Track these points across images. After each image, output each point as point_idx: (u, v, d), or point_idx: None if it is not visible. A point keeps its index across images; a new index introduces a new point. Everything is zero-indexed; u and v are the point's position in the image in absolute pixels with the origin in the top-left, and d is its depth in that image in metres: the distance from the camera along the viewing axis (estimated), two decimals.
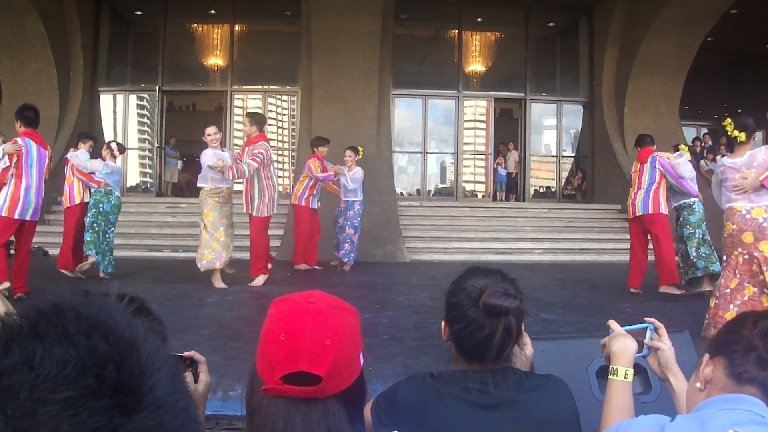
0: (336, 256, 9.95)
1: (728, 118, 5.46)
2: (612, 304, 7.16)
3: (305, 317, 1.06)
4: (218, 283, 7.56)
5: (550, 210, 14.60)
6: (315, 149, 9.78)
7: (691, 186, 7.68)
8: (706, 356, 1.38)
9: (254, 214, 7.82)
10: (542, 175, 16.94)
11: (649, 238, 7.72)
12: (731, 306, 5.05)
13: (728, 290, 5.15)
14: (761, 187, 5.08)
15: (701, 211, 7.81)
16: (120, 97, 15.72)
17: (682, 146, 8.25)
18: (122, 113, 15.69)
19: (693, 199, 7.81)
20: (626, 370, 1.65)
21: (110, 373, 0.50)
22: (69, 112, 14.04)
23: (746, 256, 5.10)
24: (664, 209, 7.53)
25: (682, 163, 7.48)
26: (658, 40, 13.70)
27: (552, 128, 16.70)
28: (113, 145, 8.88)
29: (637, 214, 7.62)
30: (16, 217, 6.56)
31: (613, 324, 1.77)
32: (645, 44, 13.79)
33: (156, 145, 15.39)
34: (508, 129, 17.24)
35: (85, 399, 0.48)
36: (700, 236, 7.68)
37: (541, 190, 16.90)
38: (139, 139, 15.78)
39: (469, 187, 16.71)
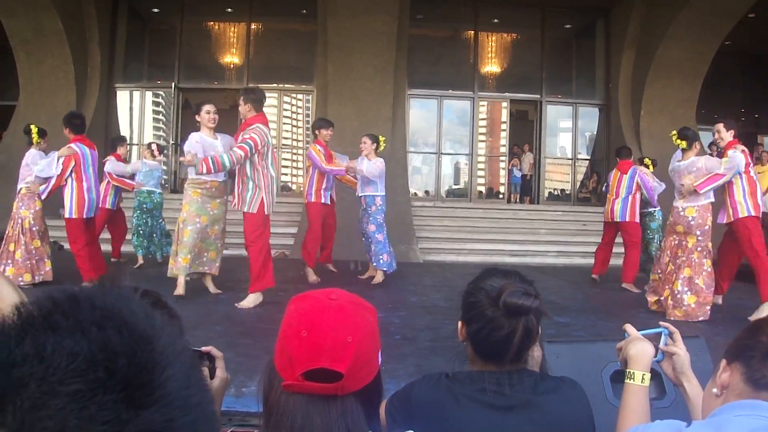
0: (371, 267, 8.43)
1: (674, 130, 6.74)
2: (626, 307, 7.14)
3: (327, 314, 1.06)
4: (178, 288, 6.44)
5: (564, 213, 14.55)
6: (317, 132, 8.48)
7: (655, 197, 8.75)
8: (723, 362, 1.36)
9: (246, 210, 6.36)
10: (557, 177, 16.88)
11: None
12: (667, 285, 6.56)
13: (668, 270, 6.60)
14: (695, 192, 6.35)
15: (660, 219, 9.14)
16: (136, 94, 15.83)
17: (647, 160, 9.31)
18: (138, 110, 15.81)
19: (654, 208, 9.12)
20: (643, 375, 1.63)
21: (121, 366, 0.50)
22: (86, 108, 14.11)
23: (676, 242, 6.60)
24: (637, 218, 8.53)
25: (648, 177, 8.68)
26: (676, 44, 13.61)
27: (567, 131, 16.63)
28: (153, 146, 9.65)
29: (615, 220, 8.55)
30: (84, 216, 7.17)
31: (629, 328, 1.75)
32: (662, 47, 13.71)
33: (171, 141, 15.46)
34: (523, 131, 17.19)
35: (93, 392, 0.48)
36: (658, 241, 8.73)
37: (556, 192, 16.84)
38: (154, 135, 15.80)
39: (483, 188, 16.69)
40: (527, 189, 16.37)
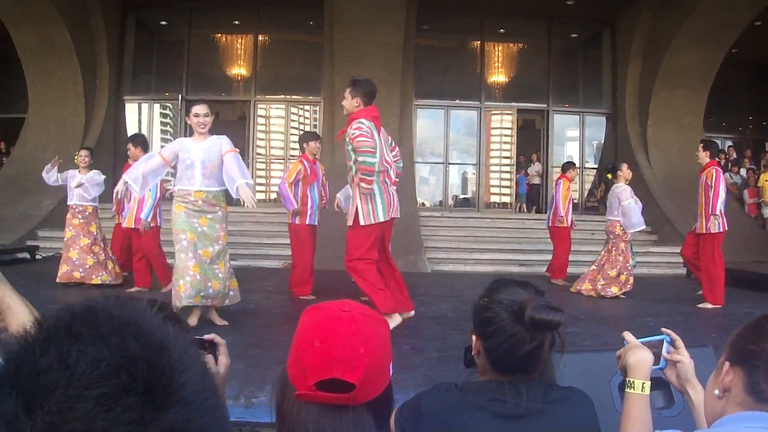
0: None
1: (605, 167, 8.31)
2: (635, 316, 7.13)
3: (340, 325, 1.08)
4: (191, 318, 5.59)
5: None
6: (304, 145, 7.80)
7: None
8: (727, 364, 1.34)
9: (358, 222, 5.56)
10: None
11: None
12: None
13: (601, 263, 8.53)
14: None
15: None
16: (144, 106, 15.96)
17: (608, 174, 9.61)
18: (146, 121, 15.92)
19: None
20: (643, 383, 1.61)
21: (141, 371, 0.53)
22: (94, 120, 14.24)
23: (610, 245, 8.53)
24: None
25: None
26: (682, 53, 13.63)
27: (575, 140, 16.65)
28: None
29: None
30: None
31: (628, 336, 1.73)
32: (668, 56, 13.73)
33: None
34: (531, 140, 17.20)
35: (118, 395, 0.51)
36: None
37: None
38: (162, 147, 15.90)
39: (490, 198, 16.68)
40: (535, 198, 16.36)
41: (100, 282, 7.89)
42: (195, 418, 0.55)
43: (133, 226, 7.67)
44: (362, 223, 5.54)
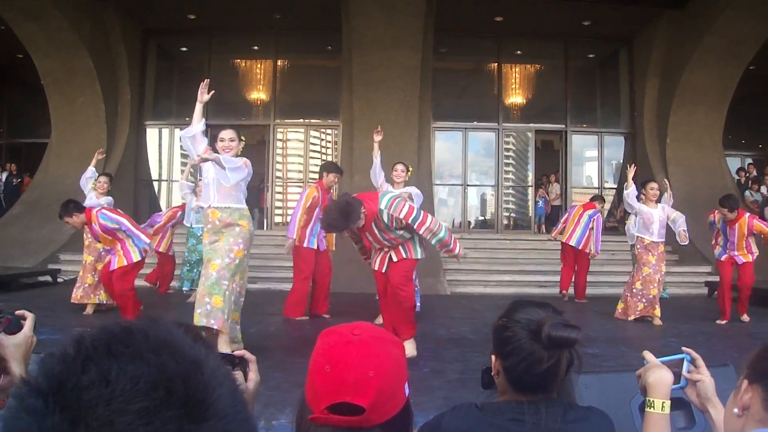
0: None
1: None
2: (657, 337, 7.08)
3: (349, 349, 1.10)
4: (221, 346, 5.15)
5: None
6: (323, 174, 7.98)
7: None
8: (745, 382, 1.34)
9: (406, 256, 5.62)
10: None
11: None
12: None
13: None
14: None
15: None
16: (165, 131, 16.15)
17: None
18: (167, 147, 16.09)
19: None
20: (663, 403, 1.60)
21: (178, 387, 0.56)
22: (116, 145, 14.42)
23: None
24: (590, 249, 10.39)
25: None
26: (700, 70, 13.60)
27: (593, 160, 16.59)
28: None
29: (571, 244, 10.36)
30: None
31: (648, 355, 1.72)
32: (686, 74, 13.70)
33: (199, 178, 15.64)
34: (549, 161, 17.18)
35: (157, 409, 0.54)
36: None
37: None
38: (182, 171, 16.03)
39: (510, 219, 16.64)
40: (554, 219, 16.27)
41: (97, 302, 7.85)
42: (230, 430, 0.59)
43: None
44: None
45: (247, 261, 5.54)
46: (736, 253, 8.21)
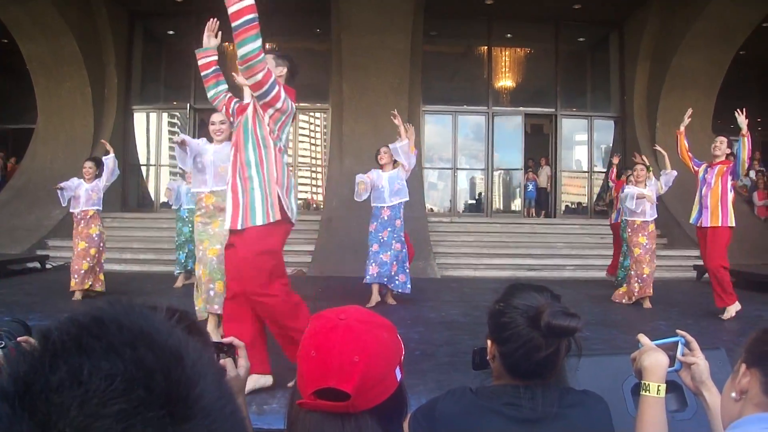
0: (391, 292, 7.80)
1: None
2: (646, 320, 7.10)
3: (334, 334, 1.08)
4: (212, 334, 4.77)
5: (581, 226, 14.48)
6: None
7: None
8: (743, 366, 1.33)
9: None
10: (573, 191, 16.84)
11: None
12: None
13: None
14: None
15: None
16: (153, 115, 16.04)
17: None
18: (155, 131, 16.00)
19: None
20: (659, 386, 1.59)
21: (159, 383, 0.50)
22: (103, 130, 14.30)
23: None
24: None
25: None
26: (690, 55, 13.61)
27: (583, 144, 16.61)
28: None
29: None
30: None
31: (643, 338, 1.71)
32: (677, 59, 13.71)
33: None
34: (539, 144, 17.17)
35: (137, 411, 0.48)
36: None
37: (573, 206, 16.80)
38: (170, 156, 15.97)
39: (499, 203, 16.66)
40: (544, 203, 16.32)
41: (89, 287, 7.85)
42: (217, 428, 0.53)
43: None
44: None
45: None
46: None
